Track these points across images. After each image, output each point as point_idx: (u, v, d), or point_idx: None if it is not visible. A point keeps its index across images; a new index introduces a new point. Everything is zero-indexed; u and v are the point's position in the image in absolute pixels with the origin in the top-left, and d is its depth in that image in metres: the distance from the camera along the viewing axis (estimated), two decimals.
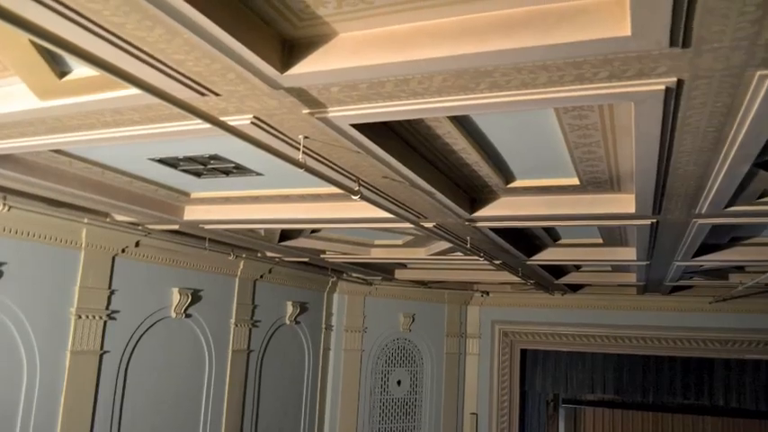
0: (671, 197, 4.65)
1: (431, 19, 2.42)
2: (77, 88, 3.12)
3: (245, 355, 9.34)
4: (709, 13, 2.08)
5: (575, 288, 11.91)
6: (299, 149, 3.62)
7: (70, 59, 2.98)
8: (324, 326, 11.42)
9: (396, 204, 5.17)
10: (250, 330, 9.46)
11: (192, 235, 7.66)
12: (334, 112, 3.14)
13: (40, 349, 6.40)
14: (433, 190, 4.56)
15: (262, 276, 9.63)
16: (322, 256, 9.03)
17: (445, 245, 7.52)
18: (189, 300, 8.16)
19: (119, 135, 3.73)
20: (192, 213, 6.37)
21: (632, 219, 5.31)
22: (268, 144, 3.28)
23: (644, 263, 7.66)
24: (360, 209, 5.60)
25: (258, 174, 5.07)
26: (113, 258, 7.18)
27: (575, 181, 4.71)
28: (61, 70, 3.09)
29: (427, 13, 2.38)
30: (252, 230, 7.53)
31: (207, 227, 6.88)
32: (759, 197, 4.79)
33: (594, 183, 4.72)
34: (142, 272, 7.61)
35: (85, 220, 6.65)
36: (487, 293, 13.14)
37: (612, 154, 4.03)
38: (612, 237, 7.04)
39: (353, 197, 4.14)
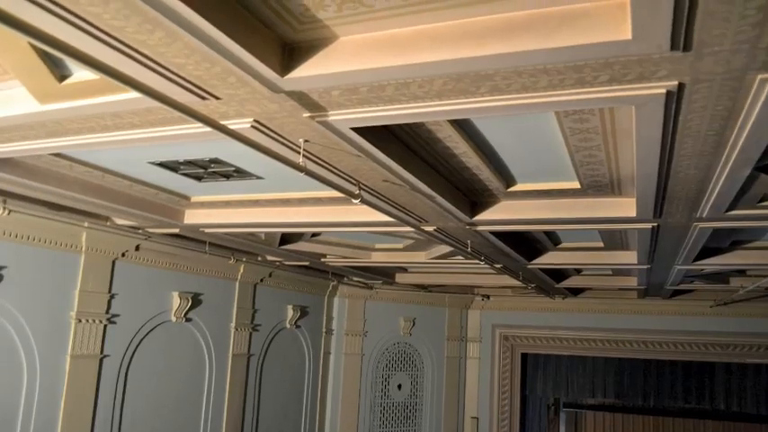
0: (672, 201, 4.64)
1: (431, 22, 2.42)
2: (77, 92, 3.12)
3: (245, 359, 9.33)
4: (709, 17, 2.07)
5: (575, 292, 11.89)
6: (299, 153, 3.61)
7: (70, 63, 2.98)
8: (324, 330, 11.40)
9: (396, 208, 5.17)
10: (250, 334, 9.45)
11: (193, 239, 7.65)
12: (335, 116, 3.14)
13: (40, 353, 6.38)
14: (433, 194, 4.56)
15: (262, 280, 9.63)
16: (322, 259, 9.03)
17: (446, 249, 7.51)
18: (189, 304, 8.16)
19: (119, 138, 3.73)
20: (193, 217, 6.37)
21: (633, 222, 5.31)
22: (268, 148, 3.27)
23: (645, 267, 7.65)
24: (360, 212, 5.59)
25: (258, 177, 5.07)
26: (113, 262, 7.18)
27: (575, 184, 4.71)
28: (61, 74, 3.09)
29: (428, 16, 2.38)
30: (252, 234, 7.52)
31: (207, 230, 6.87)
32: (760, 201, 4.78)
33: (595, 186, 4.72)
34: (142, 276, 7.60)
35: (86, 224, 6.64)
36: (488, 297, 13.12)
37: (613, 157, 4.03)
38: (613, 240, 7.03)
39: (354, 201, 4.14)
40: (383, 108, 3.02)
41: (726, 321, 11.62)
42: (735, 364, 12.31)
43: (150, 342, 7.74)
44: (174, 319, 8.04)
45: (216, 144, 4.17)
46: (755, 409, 12.32)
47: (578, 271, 10.07)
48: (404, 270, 10.97)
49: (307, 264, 9.52)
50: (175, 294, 8.03)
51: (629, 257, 7.49)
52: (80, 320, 6.77)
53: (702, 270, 7.98)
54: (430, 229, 5.93)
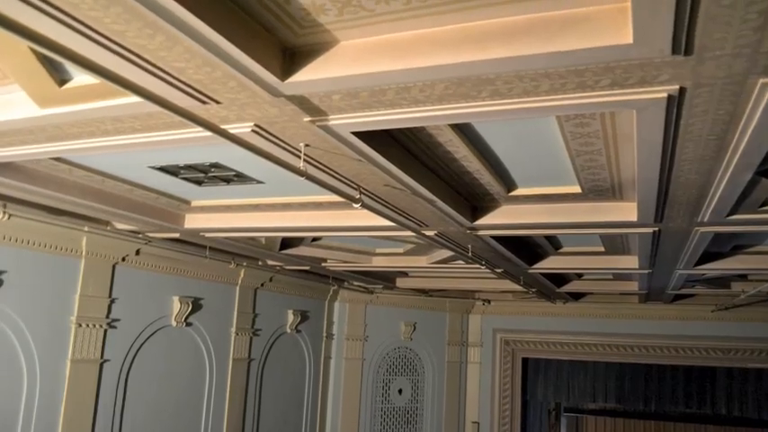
0: (673, 205, 4.63)
1: (432, 26, 2.41)
2: (77, 96, 3.11)
3: (245, 363, 9.31)
4: (711, 21, 2.07)
5: (576, 296, 11.88)
6: (300, 157, 3.61)
7: (70, 67, 2.97)
8: (325, 334, 11.39)
9: (397, 212, 5.16)
10: (251, 339, 9.44)
11: (193, 243, 7.65)
12: (336, 120, 3.13)
13: (41, 358, 6.37)
14: (434, 198, 4.55)
15: (262, 285, 9.62)
16: (323, 264, 9.02)
17: (446, 253, 7.50)
18: (189, 308, 8.15)
19: (119, 143, 3.73)
20: (193, 221, 6.36)
21: (634, 227, 5.30)
22: (269, 152, 3.27)
23: (646, 271, 7.64)
24: (361, 217, 5.59)
25: (259, 182, 5.07)
26: (114, 267, 7.17)
27: (576, 189, 4.70)
28: (61, 78, 3.08)
29: (428, 20, 2.37)
30: (253, 239, 7.52)
31: (208, 235, 6.87)
32: (761, 205, 4.77)
33: (596, 191, 4.71)
34: (143, 280, 7.59)
35: (86, 229, 6.64)
36: (489, 302, 13.10)
37: (614, 162, 4.02)
38: (614, 245, 7.02)
39: (355, 205, 4.14)
40: (384, 112, 3.01)
41: (727, 326, 11.60)
42: (736, 369, 12.28)
43: (150, 347, 7.73)
44: (174, 323, 8.03)
45: (216, 148, 4.16)
46: (757, 413, 12.28)
47: (579, 275, 10.05)
48: (404, 274, 10.96)
49: (307, 268, 9.51)
50: (176, 299, 8.02)
51: (630, 262, 7.48)
52: (80, 325, 6.76)
53: (703, 275, 7.98)
54: (431, 233, 5.92)
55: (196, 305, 8.35)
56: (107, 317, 7.08)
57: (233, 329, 9.06)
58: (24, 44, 2.68)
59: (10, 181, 4.83)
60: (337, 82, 2.64)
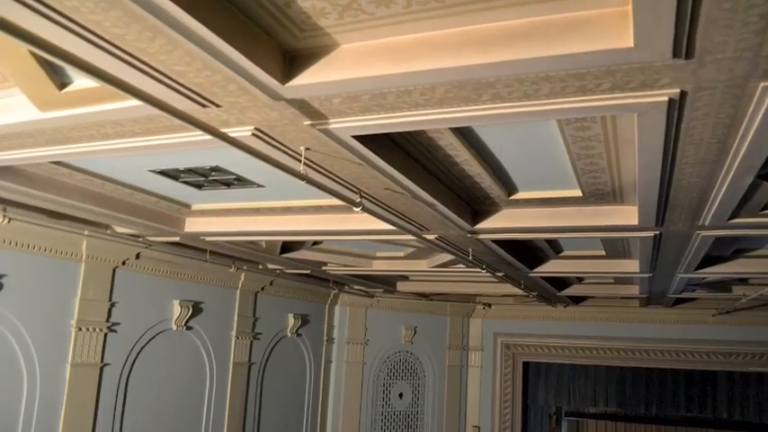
0: (674, 209, 4.63)
1: (432, 30, 2.41)
2: (78, 100, 3.11)
3: (246, 367, 9.30)
4: (712, 24, 2.06)
5: (577, 300, 11.86)
6: (300, 161, 3.61)
7: (70, 70, 2.97)
8: (325, 338, 11.38)
9: (397, 216, 5.16)
10: (251, 343, 9.42)
11: (193, 247, 7.64)
12: (336, 124, 3.13)
13: (41, 362, 6.36)
14: (434, 202, 4.55)
15: (263, 288, 9.61)
16: (323, 268, 9.01)
17: (447, 257, 7.49)
18: (190, 312, 8.14)
19: (119, 147, 3.73)
20: (193, 225, 6.36)
21: (635, 231, 5.29)
22: (269, 156, 3.27)
23: (647, 275, 7.63)
24: (361, 221, 5.58)
25: (259, 185, 5.06)
26: (114, 270, 7.16)
27: (577, 193, 4.69)
28: (61, 81, 3.08)
29: (429, 24, 2.37)
30: (253, 242, 7.51)
31: (208, 239, 6.86)
32: (762, 209, 4.77)
33: (597, 194, 4.71)
34: (143, 284, 7.58)
35: (86, 232, 6.63)
36: (490, 306, 13.09)
37: (615, 165, 4.02)
38: (615, 249, 7.01)
39: (355, 209, 4.13)
40: (384, 116, 3.01)
41: (728, 330, 11.58)
42: (737, 373, 12.26)
43: (151, 350, 7.72)
44: (174, 327, 8.02)
45: (217, 152, 4.16)
46: (758, 417, 12.27)
47: (580, 279, 10.04)
48: (405, 278, 10.95)
49: (308, 272, 9.51)
50: (176, 303, 8.01)
51: (630, 266, 7.47)
52: (80, 329, 6.75)
53: (704, 278, 7.96)
54: (431, 237, 5.92)
55: (196, 309, 8.34)
56: (107, 320, 7.07)
57: (233, 333, 9.05)
58: (24, 48, 2.68)
59: (10, 184, 4.83)
60: (338, 85, 2.64)
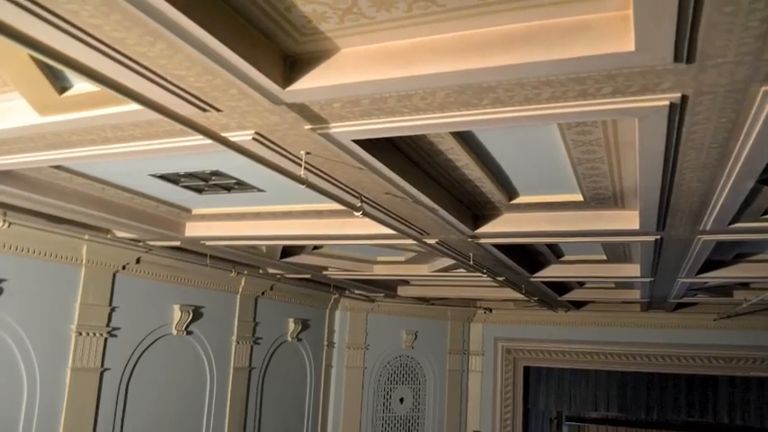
0: (675, 213, 4.62)
1: (433, 34, 2.41)
2: (78, 104, 3.11)
3: (246, 372, 9.29)
4: (713, 28, 2.06)
5: (578, 305, 11.85)
6: (300, 165, 3.60)
7: (70, 75, 2.97)
8: (326, 343, 11.36)
9: (398, 221, 5.15)
10: (251, 347, 9.41)
11: (194, 251, 7.63)
12: (336, 128, 3.12)
13: (41, 366, 6.35)
14: (435, 206, 4.54)
15: (263, 293, 9.60)
16: (324, 272, 9.01)
17: (448, 261, 7.49)
18: (190, 317, 8.13)
19: (120, 151, 3.72)
20: (194, 230, 6.35)
21: (636, 235, 5.29)
22: (270, 160, 3.26)
23: (648, 279, 7.62)
24: (362, 225, 5.58)
25: (260, 190, 5.06)
26: (114, 275, 7.16)
27: (578, 197, 4.69)
28: (61, 86, 3.08)
29: (429, 28, 2.37)
30: (253, 247, 7.51)
31: (208, 243, 6.85)
32: (763, 214, 4.76)
33: (598, 199, 4.70)
34: (143, 289, 7.58)
35: (86, 237, 6.63)
36: (490, 310, 13.07)
37: (616, 170, 4.01)
38: (616, 253, 7.01)
39: (356, 213, 4.13)
40: (385, 120, 3.01)
41: (729, 334, 11.57)
42: (738, 378, 12.25)
43: (151, 355, 7.71)
44: (174, 332, 8.01)
45: (217, 156, 4.15)
46: (759, 422, 12.24)
47: (581, 284, 10.03)
48: (406, 283, 10.94)
49: (308, 277, 9.50)
50: (176, 307, 8.00)
51: (632, 270, 7.46)
52: (80, 333, 6.74)
53: (706, 283, 7.96)
54: (432, 241, 5.91)
55: (197, 314, 8.33)
56: (107, 325, 7.06)
57: (234, 338, 9.04)
58: (24, 52, 2.68)
59: (10, 189, 4.83)
60: (338, 90, 2.64)
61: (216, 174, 4.66)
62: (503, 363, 13.05)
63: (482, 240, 5.74)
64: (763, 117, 2.68)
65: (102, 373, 7.02)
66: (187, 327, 8.16)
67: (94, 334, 6.89)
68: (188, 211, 5.96)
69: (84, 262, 6.75)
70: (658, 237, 5.34)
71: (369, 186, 4.26)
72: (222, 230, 6.25)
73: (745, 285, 8.89)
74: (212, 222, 6.24)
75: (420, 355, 12.58)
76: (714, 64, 2.29)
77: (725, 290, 9.21)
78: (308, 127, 3.14)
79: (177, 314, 7.99)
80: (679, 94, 2.55)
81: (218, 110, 2.97)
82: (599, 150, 3.70)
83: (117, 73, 2.48)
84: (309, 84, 2.60)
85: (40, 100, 3.13)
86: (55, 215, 5.91)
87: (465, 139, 3.70)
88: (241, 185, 4.94)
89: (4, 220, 5.87)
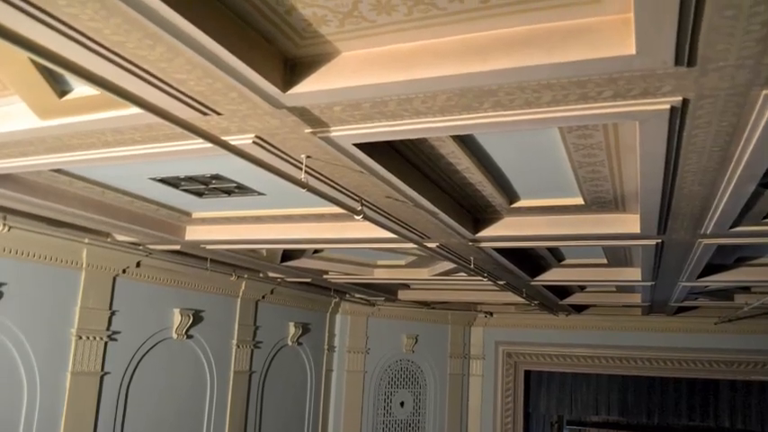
0: (676, 217, 4.61)
1: (434, 38, 2.40)
2: (78, 107, 3.10)
3: (246, 376, 9.27)
4: (714, 32, 2.06)
5: (579, 309, 11.84)
6: (301, 169, 3.60)
7: (70, 78, 2.97)
8: (326, 347, 11.35)
9: (399, 224, 5.15)
10: (252, 351, 9.40)
11: (194, 255, 7.63)
12: (337, 132, 3.12)
13: (41, 370, 6.34)
14: (436, 210, 4.53)
15: (264, 297, 9.59)
16: (324, 276, 9.00)
17: (449, 265, 7.48)
18: (190, 321, 8.12)
19: (120, 155, 3.72)
20: (194, 233, 6.35)
21: (637, 239, 5.28)
22: (270, 164, 3.26)
23: (649, 283, 7.61)
24: (363, 229, 5.57)
25: (260, 193, 5.05)
26: (114, 279, 7.15)
27: (579, 201, 4.68)
28: (61, 89, 3.07)
29: (430, 31, 2.36)
30: (254, 251, 7.50)
31: (208, 247, 6.85)
32: (764, 217, 4.76)
33: (599, 202, 4.69)
34: (143, 292, 7.57)
35: (86, 241, 6.62)
36: (491, 314, 13.07)
37: (617, 173, 4.01)
38: (617, 257, 7.00)
39: (356, 217, 4.12)
40: (386, 124, 3.00)
41: (730, 338, 11.56)
42: (739, 382, 12.24)
43: (151, 359, 7.69)
44: (175, 335, 8.00)
45: (217, 160, 4.15)
46: (760, 426, 12.23)
47: (582, 288, 10.02)
48: (406, 287, 10.93)
49: (309, 280, 9.49)
50: (176, 311, 7.99)
51: (633, 274, 7.45)
52: (80, 337, 6.73)
53: (707, 287, 7.95)
54: (433, 245, 5.90)
55: (197, 317, 8.32)
56: (107, 329, 7.05)
57: (234, 342, 9.02)
58: (24, 55, 2.68)
59: (10, 193, 4.82)
60: (339, 93, 2.63)
61: (216, 177, 4.66)
62: (503, 367, 13.03)
63: (483, 244, 5.73)
64: (764, 121, 2.68)
65: (102, 377, 7.01)
66: (187, 330, 8.15)
67: (94, 338, 6.89)
68: (188, 214, 5.95)
69: (84, 266, 6.74)
70: (659, 240, 5.33)
71: (369, 190, 4.25)
72: (222, 234, 6.24)
73: (746, 289, 8.88)
74: (213, 226, 6.23)
75: (421, 359, 12.57)
76: (715, 67, 2.29)
77: (726, 294, 9.19)
78: (308, 130, 3.13)
79: (177, 318, 7.98)
80: (680, 98, 2.54)
81: (219, 113, 2.97)
82: (600, 154, 3.70)
83: (117, 76, 2.48)
84: (310, 87, 2.60)
85: (40, 103, 3.13)
86: (55, 219, 5.91)
87: (466, 142, 3.70)
88: (241, 189, 4.94)
89: (4, 224, 5.87)
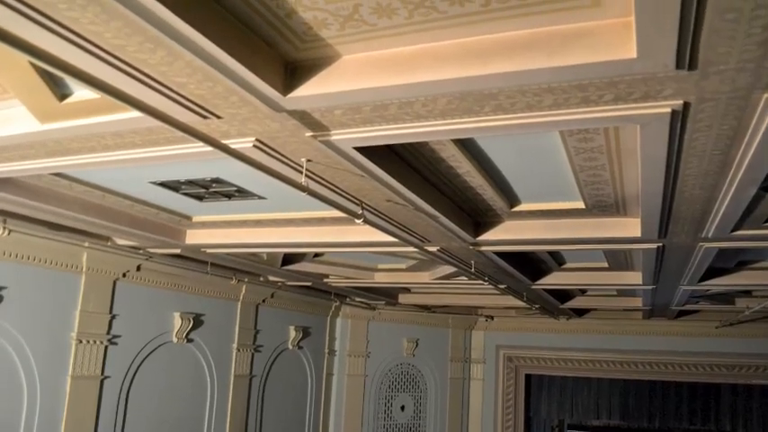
0: (677, 221, 4.61)
1: (434, 41, 2.40)
2: (78, 111, 3.10)
3: (247, 380, 9.26)
4: (715, 35, 2.05)
5: (580, 312, 11.82)
6: (301, 172, 3.59)
7: (71, 82, 2.96)
8: (327, 351, 11.33)
9: (399, 228, 5.14)
10: (252, 355, 9.39)
11: (194, 259, 7.62)
12: (337, 135, 3.12)
13: (41, 374, 6.33)
14: (436, 213, 4.53)
15: (264, 301, 9.58)
16: (325, 280, 8.99)
17: (449, 269, 7.47)
18: (190, 324, 8.11)
19: (120, 158, 3.72)
20: (194, 237, 6.34)
21: (638, 243, 5.27)
22: (270, 167, 3.26)
23: (650, 287, 7.60)
24: (363, 233, 5.56)
25: (261, 197, 5.05)
26: (114, 282, 7.14)
27: (580, 204, 4.68)
28: (62, 93, 3.07)
29: (431, 35, 2.36)
30: (254, 254, 7.50)
31: (209, 251, 6.84)
32: (766, 221, 4.75)
33: (600, 206, 4.69)
34: (143, 296, 7.56)
35: (86, 244, 6.62)
36: (492, 318, 13.05)
37: (618, 177, 4.00)
38: (618, 261, 6.99)
39: (357, 221, 4.12)
40: (386, 127, 3.00)
41: (731, 342, 11.54)
42: (741, 386, 12.21)
43: (151, 363, 7.68)
44: (175, 339, 7.99)
45: (218, 163, 4.15)
46: (761, 430, 12.19)
47: (583, 291, 10.01)
48: (407, 291, 10.92)
49: (309, 284, 9.48)
50: (177, 315, 7.98)
51: (633, 278, 7.44)
52: (81, 341, 6.72)
53: (708, 290, 7.94)
54: (433, 249, 5.90)
55: (197, 321, 8.31)
56: (108, 333, 7.04)
57: (234, 346, 9.01)
58: (25, 59, 2.67)
59: (10, 196, 4.82)
60: (339, 97, 2.63)
61: (216, 181, 4.65)
62: (504, 371, 13.01)
63: (483, 248, 5.73)
64: (765, 124, 2.68)
65: (102, 381, 7.00)
66: (188, 334, 8.14)
67: (95, 342, 6.87)
68: (188, 218, 5.95)
69: (84, 269, 6.73)
70: (660, 244, 5.33)
71: (370, 194, 4.25)
72: (223, 238, 6.24)
73: (747, 293, 8.86)
74: (213, 230, 6.23)
75: (421, 363, 12.55)
76: (716, 71, 2.29)
77: (727, 297, 9.18)
78: (308, 134, 3.13)
79: (178, 322, 7.97)
80: (681, 101, 2.54)
81: (219, 117, 2.96)
82: (601, 158, 3.69)
83: (117, 80, 2.48)
84: (310, 91, 2.60)
85: (41, 107, 3.13)
86: (55, 222, 5.90)
87: (466, 146, 3.70)
88: (242, 193, 4.93)
89: (5, 228, 5.86)
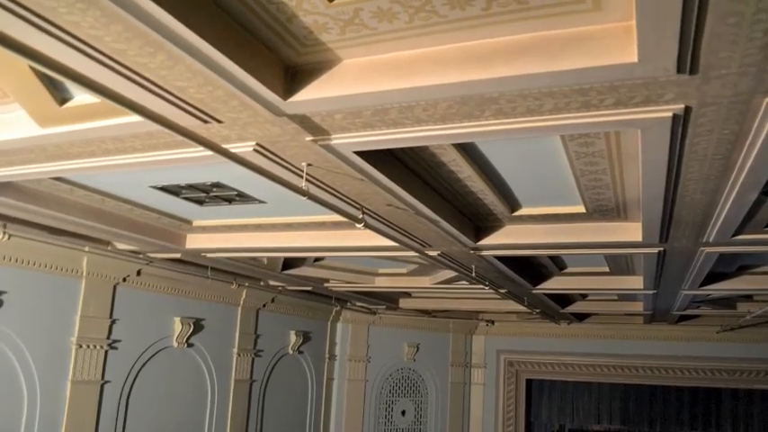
0: (678, 225, 4.60)
1: (435, 45, 2.40)
2: (78, 115, 3.10)
3: (247, 384, 9.24)
4: (716, 39, 2.05)
5: (581, 317, 11.81)
6: (302, 177, 3.59)
7: (71, 86, 2.96)
8: (327, 355, 11.32)
9: (400, 232, 5.13)
10: (253, 360, 9.38)
11: (195, 263, 7.62)
12: (338, 140, 3.11)
13: (41, 379, 6.32)
14: (437, 218, 4.52)
15: (264, 305, 9.57)
16: (325, 284, 8.98)
17: (450, 273, 7.46)
18: (191, 329, 8.10)
19: (120, 162, 3.71)
20: (195, 242, 6.34)
21: (639, 247, 5.27)
22: (271, 171, 3.25)
23: (651, 292, 7.59)
24: (364, 237, 5.56)
25: (261, 201, 5.04)
26: (114, 287, 7.13)
27: (581, 209, 4.67)
28: (62, 97, 3.07)
29: (431, 39, 2.36)
30: (255, 259, 7.49)
31: (209, 255, 6.84)
32: (767, 226, 4.74)
33: (601, 211, 4.68)
34: (144, 301, 7.55)
35: (86, 249, 6.61)
36: (493, 323, 13.03)
37: (619, 181, 4.00)
38: (619, 265, 6.98)
39: (357, 225, 4.11)
40: (387, 132, 3.00)
41: (732, 347, 11.52)
42: (742, 390, 12.18)
43: (152, 368, 7.67)
44: (175, 344, 7.98)
45: (218, 168, 4.15)
46: None
47: (584, 296, 10.00)
48: (408, 295, 10.91)
49: (309, 289, 9.47)
50: (177, 319, 7.98)
51: (634, 282, 7.44)
52: (81, 346, 6.71)
53: (709, 295, 7.93)
54: (434, 253, 5.89)
55: (197, 326, 8.30)
56: (108, 338, 7.04)
57: (235, 350, 9.00)
58: (25, 63, 2.67)
59: (10, 201, 4.82)
60: (340, 101, 2.62)
61: (217, 185, 4.65)
62: (505, 375, 12.99)
63: (484, 252, 5.72)
64: (766, 129, 2.67)
65: (102, 386, 6.99)
66: (188, 339, 8.13)
67: (95, 346, 6.87)
68: (189, 222, 5.94)
69: (84, 274, 6.73)
70: (661, 249, 5.32)
71: (370, 198, 4.25)
72: (223, 242, 6.24)
73: (748, 297, 8.86)
74: (213, 234, 6.23)
75: (422, 368, 12.53)
76: (717, 75, 2.28)
77: (728, 302, 9.18)
78: (309, 138, 3.13)
79: (178, 326, 7.96)
80: (682, 106, 2.53)
81: (219, 121, 2.96)
82: (602, 162, 3.69)
83: (117, 84, 2.47)
84: (311, 95, 2.59)
85: (41, 111, 3.13)
86: (55, 227, 5.90)
87: (467, 150, 3.69)
88: (242, 197, 4.93)
89: (5, 232, 5.86)
